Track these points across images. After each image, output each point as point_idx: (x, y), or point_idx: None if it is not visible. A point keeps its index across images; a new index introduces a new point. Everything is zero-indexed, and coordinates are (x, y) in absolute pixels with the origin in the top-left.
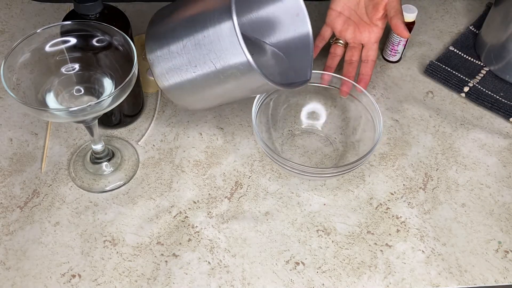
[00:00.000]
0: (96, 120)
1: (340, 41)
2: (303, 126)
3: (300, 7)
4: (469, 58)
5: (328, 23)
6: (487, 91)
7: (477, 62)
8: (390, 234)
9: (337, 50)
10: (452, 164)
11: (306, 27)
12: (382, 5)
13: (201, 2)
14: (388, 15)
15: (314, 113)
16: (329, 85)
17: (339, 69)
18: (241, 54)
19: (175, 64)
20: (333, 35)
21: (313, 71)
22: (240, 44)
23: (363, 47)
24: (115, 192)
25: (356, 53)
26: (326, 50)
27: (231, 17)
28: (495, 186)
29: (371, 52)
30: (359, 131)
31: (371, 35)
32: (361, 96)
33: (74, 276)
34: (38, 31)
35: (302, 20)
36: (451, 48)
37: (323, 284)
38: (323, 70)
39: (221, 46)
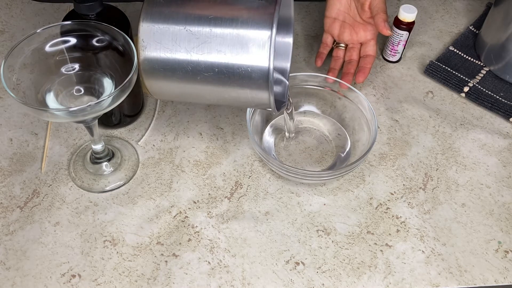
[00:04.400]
0: (96, 120)
1: (341, 45)
2: (300, 126)
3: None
4: (469, 58)
5: (326, 30)
6: (487, 91)
7: (477, 62)
8: (390, 234)
9: (339, 53)
10: (452, 164)
11: (287, 61)
12: (366, 4)
13: (233, 7)
14: (372, 14)
15: (311, 113)
16: (323, 87)
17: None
18: (264, 82)
19: (175, 60)
20: (335, 40)
21: (308, 74)
22: (269, 69)
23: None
24: (115, 192)
25: (355, 52)
26: (330, 55)
27: (269, 40)
28: (495, 186)
29: (369, 48)
30: (356, 131)
31: (367, 33)
32: (356, 97)
33: (74, 276)
34: (38, 31)
35: (286, 49)
36: (451, 48)
37: (323, 284)
38: (328, 72)
39: (244, 61)
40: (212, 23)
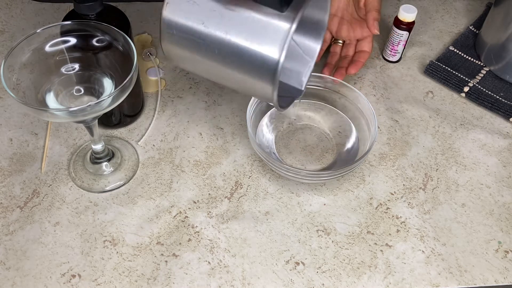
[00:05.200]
0: (96, 120)
1: (339, 41)
2: (300, 123)
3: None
4: (469, 58)
5: None
6: (487, 91)
7: (477, 62)
8: (390, 234)
9: (337, 49)
10: (452, 164)
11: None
12: (362, 1)
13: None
14: (366, 11)
15: (311, 111)
16: (323, 87)
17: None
18: (273, 73)
19: (191, 28)
20: (333, 36)
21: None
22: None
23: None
24: (115, 192)
25: (351, 48)
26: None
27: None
28: (495, 186)
29: (364, 44)
30: (356, 131)
31: (363, 30)
32: (356, 97)
33: (74, 276)
34: (38, 31)
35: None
36: (451, 48)
37: (323, 284)
38: (324, 67)
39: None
40: (239, 4)
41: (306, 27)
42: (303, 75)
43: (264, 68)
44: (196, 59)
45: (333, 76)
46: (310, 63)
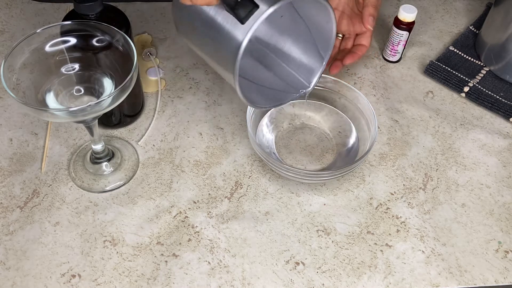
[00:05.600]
0: (96, 120)
1: (339, 35)
2: (300, 123)
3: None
4: (469, 58)
5: None
6: (487, 91)
7: (477, 62)
8: (390, 234)
9: (336, 42)
10: (452, 164)
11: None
12: None
13: None
14: (363, 6)
15: (311, 111)
16: (323, 87)
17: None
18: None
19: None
20: None
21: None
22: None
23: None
24: (115, 192)
25: (350, 42)
26: None
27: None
28: (495, 186)
29: (363, 38)
30: (356, 131)
31: (362, 25)
32: (356, 97)
33: (74, 276)
34: (38, 31)
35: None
36: (451, 48)
37: (323, 284)
38: None
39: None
40: (219, 11)
41: (317, 27)
42: (313, 73)
43: (229, 52)
44: (194, 39)
45: (329, 68)
46: (322, 61)
